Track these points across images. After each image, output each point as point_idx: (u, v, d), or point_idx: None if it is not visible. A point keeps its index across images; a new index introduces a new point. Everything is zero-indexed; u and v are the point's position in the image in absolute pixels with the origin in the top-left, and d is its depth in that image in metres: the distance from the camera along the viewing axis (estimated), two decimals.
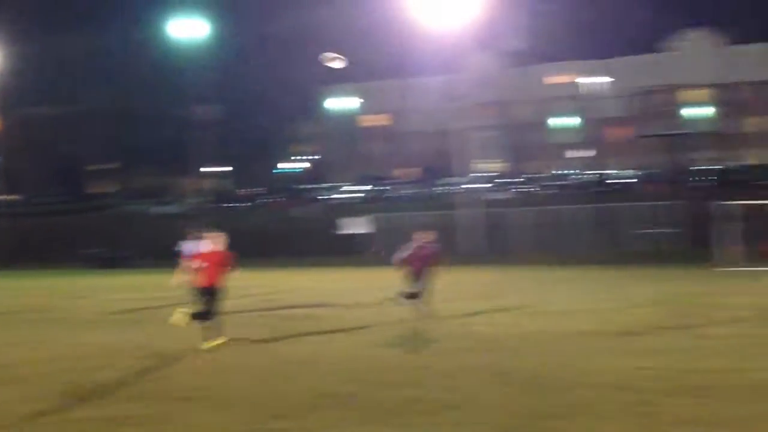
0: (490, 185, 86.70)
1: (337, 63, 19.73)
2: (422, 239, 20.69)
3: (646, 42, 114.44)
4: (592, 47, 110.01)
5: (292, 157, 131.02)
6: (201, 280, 17.32)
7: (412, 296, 20.35)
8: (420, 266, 20.29)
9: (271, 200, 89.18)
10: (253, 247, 41.87)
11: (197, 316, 17.35)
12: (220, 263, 17.32)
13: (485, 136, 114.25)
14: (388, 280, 22.45)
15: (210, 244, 17.54)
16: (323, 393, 12.33)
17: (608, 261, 42.23)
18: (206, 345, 16.87)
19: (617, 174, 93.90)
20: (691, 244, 49.68)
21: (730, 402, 10.99)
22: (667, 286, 28.79)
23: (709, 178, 76.60)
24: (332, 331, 18.83)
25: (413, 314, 20.07)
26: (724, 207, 39.54)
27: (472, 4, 49.16)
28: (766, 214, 43.38)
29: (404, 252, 20.61)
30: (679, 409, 10.68)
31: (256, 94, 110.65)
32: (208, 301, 17.21)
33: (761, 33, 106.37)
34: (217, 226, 18.97)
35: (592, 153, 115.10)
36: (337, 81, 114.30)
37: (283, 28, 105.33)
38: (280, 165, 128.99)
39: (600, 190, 77.87)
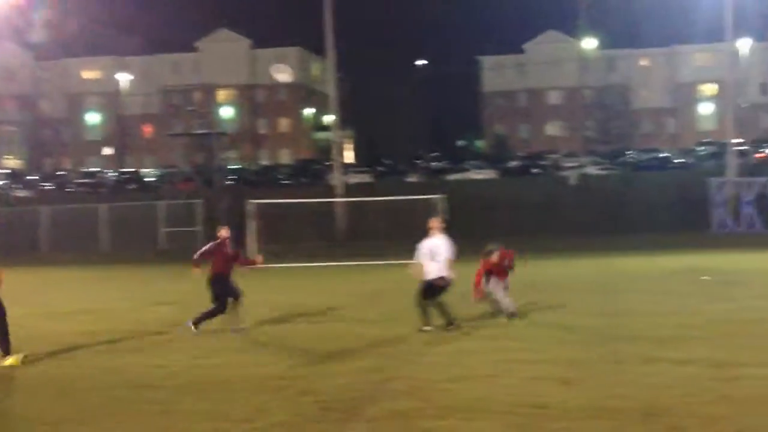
0: (13, 182, 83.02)
1: (285, 76, 16.31)
2: (224, 235, 17.21)
3: (181, 41, 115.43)
4: (126, 44, 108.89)
5: None
6: None
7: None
8: (226, 267, 17.15)
9: None
10: None
11: None
12: None
13: (9, 131, 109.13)
14: None
15: None
16: None
17: (133, 259, 41.99)
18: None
19: (147, 172, 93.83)
20: None
21: (240, 395, 11.25)
22: (190, 284, 29.13)
23: (235, 177, 78.84)
24: None
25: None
26: (249, 205, 40.86)
27: None
28: (282, 212, 45.46)
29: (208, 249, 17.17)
30: (192, 405, 10.75)
31: None
32: None
33: (283, 37, 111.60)
34: None
35: (122, 150, 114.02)
36: None
37: None
38: None
39: (129, 188, 77.37)
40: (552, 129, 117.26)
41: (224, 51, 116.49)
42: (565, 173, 72.18)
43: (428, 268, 16.42)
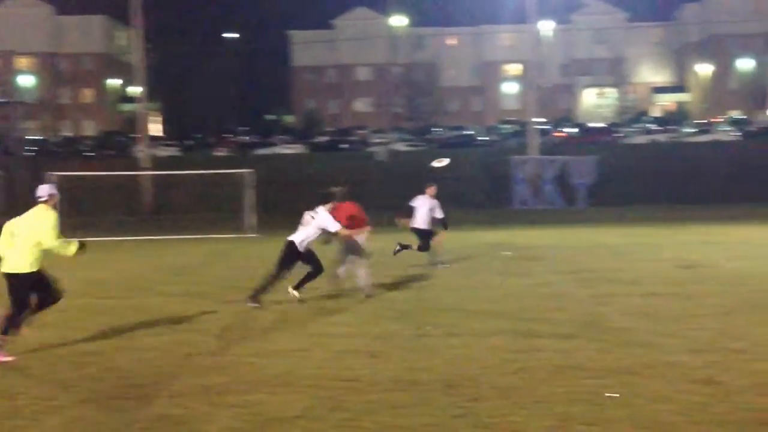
0: None
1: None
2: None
3: None
4: None
5: None
6: None
7: None
8: None
9: None
10: None
11: None
12: None
13: None
14: None
15: None
16: None
17: None
18: None
19: None
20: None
21: (42, 373, 10.92)
22: None
23: (36, 147, 76.17)
24: None
25: None
26: (50, 177, 39.53)
27: None
28: (86, 185, 44.19)
29: None
30: None
31: None
32: None
33: (87, 4, 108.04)
34: None
35: None
36: None
37: None
38: None
39: None
40: (361, 105, 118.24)
41: (25, 16, 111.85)
42: (373, 149, 73.00)
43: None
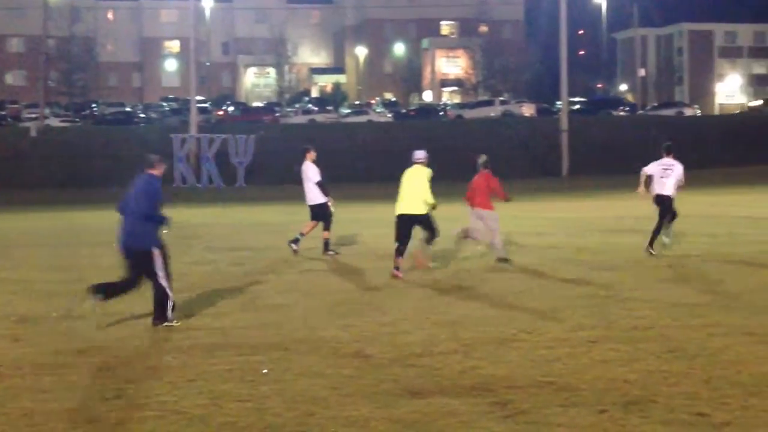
0: None
1: None
2: None
3: None
4: None
5: None
6: None
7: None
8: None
9: None
10: None
11: None
12: None
13: None
14: None
15: None
16: None
17: None
18: None
19: None
20: None
21: None
22: None
23: None
24: None
25: None
26: None
27: None
28: None
29: None
30: None
31: None
32: None
33: None
34: None
35: None
36: None
37: None
38: None
39: None
40: (12, 78, 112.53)
41: None
42: (26, 124, 69.71)
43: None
